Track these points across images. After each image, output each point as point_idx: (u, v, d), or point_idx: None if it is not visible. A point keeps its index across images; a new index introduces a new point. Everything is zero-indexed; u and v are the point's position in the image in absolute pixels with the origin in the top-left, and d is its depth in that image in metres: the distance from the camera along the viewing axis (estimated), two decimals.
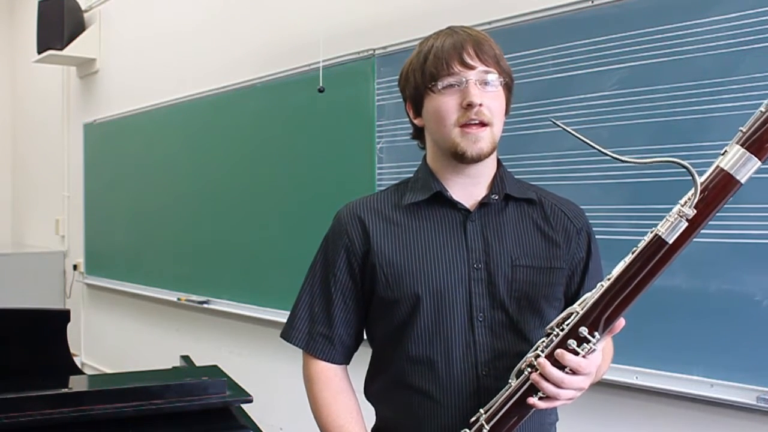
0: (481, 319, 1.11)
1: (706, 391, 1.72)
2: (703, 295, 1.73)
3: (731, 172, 0.91)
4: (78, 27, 4.65)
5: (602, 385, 1.92)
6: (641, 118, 1.82)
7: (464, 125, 1.09)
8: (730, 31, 1.68)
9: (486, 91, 1.09)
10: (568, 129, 0.99)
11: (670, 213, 0.94)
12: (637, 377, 1.84)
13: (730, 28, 1.68)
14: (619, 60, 1.87)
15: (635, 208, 1.83)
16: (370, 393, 1.24)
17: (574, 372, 0.99)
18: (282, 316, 2.95)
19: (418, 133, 1.22)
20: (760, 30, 1.63)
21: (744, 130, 0.91)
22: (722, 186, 0.92)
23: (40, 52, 4.61)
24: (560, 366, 0.98)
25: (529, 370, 1.01)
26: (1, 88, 6.18)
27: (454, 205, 1.15)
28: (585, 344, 0.98)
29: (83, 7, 4.73)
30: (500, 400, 1.03)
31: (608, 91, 1.89)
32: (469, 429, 1.05)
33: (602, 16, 1.91)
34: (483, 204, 1.15)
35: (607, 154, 0.95)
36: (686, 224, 0.92)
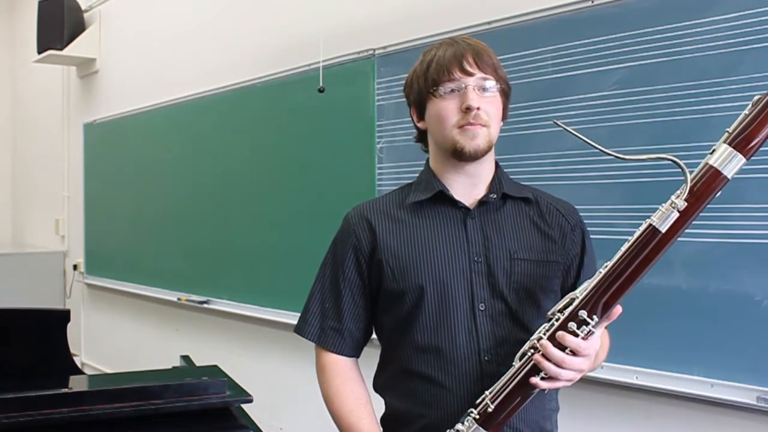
0: (482, 309, 1.18)
1: (706, 391, 1.72)
2: (703, 295, 1.73)
3: (719, 168, 1.00)
4: (78, 27, 4.65)
5: (602, 385, 1.92)
6: (641, 118, 1.83)
7: (462, 126, 1.17)
8: (730, 31, 1.68)
9: (484, 96, 1.17)
10: (570, 129, 1.07)
11: (663, 204, 1.02)
12: (637, 377, 1.84)
13: (730, 28, 1.68)
14: (618, 60, 1.87)
15: (634, 208, 1.83)
16: (378, 384, 1.31)
17: (574, 353, 1.05)
18: (282, 316, 2.97)
19: (422, 136, 1.30)
20: (760, 30, 1.63)
21: (730, 131, 1.01)
22: (710, 181, 1.01)
23: (40, 52, 4.61)
24: (561, 347, 1.05)
25: (532, 351, 1.08)
26: (1, 88, 6.18)
27: (455, 204, 1.23)
28: (584, 326, 1.05)
29: (83, 7, 4.73)
30: (504, 381, 1.09)
31: (608, 91, 1.89)
32: (475, 409, 1.11)
33: (602, 16, 1.91)
34: (482, 202, 1.23)
35: (608, 153, 1.03)
36: (677, 215, 1.01)
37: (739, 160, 0.99)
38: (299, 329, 1.31)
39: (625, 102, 1.85)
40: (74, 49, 4.59)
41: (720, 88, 1.69)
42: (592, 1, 1.93)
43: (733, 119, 1.73)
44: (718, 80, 1.69)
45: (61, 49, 4.54)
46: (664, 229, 1.01)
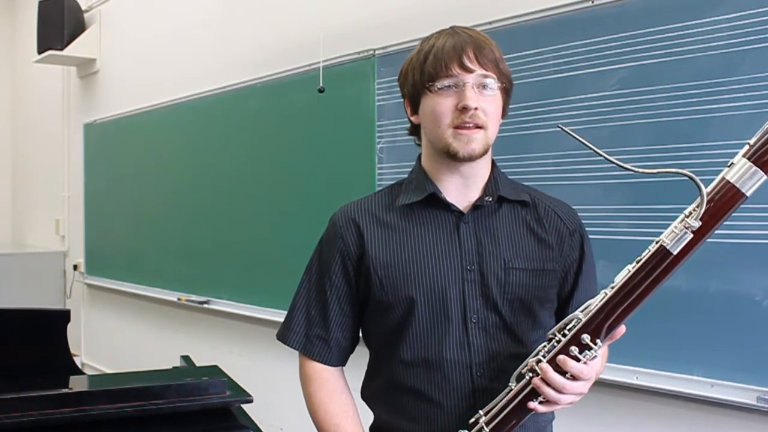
0: (474, 321, 1.12)
1: (706, 391, 1.71)
2: (703, 295, 1.72)
3: (737, 185, 0.91)
4: (78, 27, 4.65)
5: (602, 385, 1.92)
6: (642, 118, 1.82)
7: (457, 127, 1.09)
8: (730, 31, 1.68)
9: (483, 95, 1.09)
10: (577, 136, 1.01)
11: (675, 224, 0.95)
12: (637, 377, 1.84)
13: (730, 28, 1.68)
14: (619, 60, 1.87)
15: (637, 209, 1.83)
16: (366, 394, 1.25)
17: (574, 378, 1.00)
18: (282, 316, 2.95)
19: (415, 130, 1.23)
20: (760, 30, 1.63)
21: (751, 144, 0.91)
22: (728, 198, 0.92)
23: (40, 52, 4.61)
24: (562, 371, 1.00)
25: (530, 374, 1.02)
26: (1, 88, 6.17)
27: (448, 207, 1.16)
28: (587, 351, 0.99)
29: (83, 7, 4.73)
30: (500, 404, 1.04)
31: (609, 91, 1.89)
32: (469, 430, 1.06)
33: (602, 16, 1.91)
34: (476, 206, 1.16)
35: (614, 163, 0.97)
36: (691, 236, 0.93)
37: (760, 177, 0.90)
38: (282, 336, 1.24)
39: (627, 102, 1.85)
40: (74, 49, 4.59)
41: (721, 88, 1.69)
42: (593, 1, 1.93)
43: (734, 119, 1.74)
44: (719, 80, 1.69)
45: (61, 50, 4.54)
46: (675, 251, 0.94)
